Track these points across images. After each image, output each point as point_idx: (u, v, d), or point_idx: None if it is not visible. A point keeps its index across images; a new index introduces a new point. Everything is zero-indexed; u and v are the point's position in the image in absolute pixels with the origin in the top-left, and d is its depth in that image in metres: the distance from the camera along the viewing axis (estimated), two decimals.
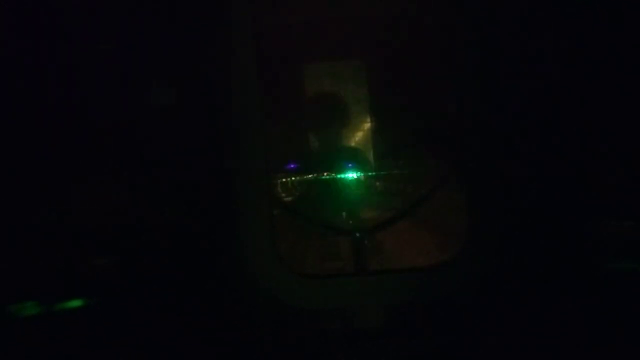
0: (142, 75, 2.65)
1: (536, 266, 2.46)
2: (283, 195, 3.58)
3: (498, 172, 2.53)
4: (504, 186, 2.51)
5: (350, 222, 3.47)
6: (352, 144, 4.16)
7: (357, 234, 2.99)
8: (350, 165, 3.95)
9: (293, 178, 3.80)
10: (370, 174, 3.89)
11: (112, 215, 2.61)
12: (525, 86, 2.49)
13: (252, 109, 2.56)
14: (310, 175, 3.83)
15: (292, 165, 3.91)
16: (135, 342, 2.48)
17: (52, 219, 2.58)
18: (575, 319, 2.38)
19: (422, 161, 3.58)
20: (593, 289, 2.40)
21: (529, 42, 2.51)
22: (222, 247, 2.55)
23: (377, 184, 3.83)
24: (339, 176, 3.86)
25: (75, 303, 2.61)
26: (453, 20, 2.62)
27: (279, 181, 3.62)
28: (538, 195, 2.46)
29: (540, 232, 2.47)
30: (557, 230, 2.46)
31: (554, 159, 2.45)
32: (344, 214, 3.56)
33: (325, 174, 3.86)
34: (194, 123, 2.61)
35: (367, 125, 4.17)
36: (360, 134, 4.23)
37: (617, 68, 2.41)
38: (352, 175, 3.87)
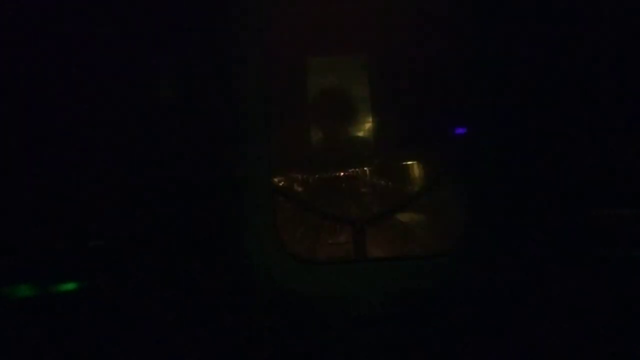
0: (149, 77, 2.67)
1: (534, 255, 2.44)
2: (287, 186, 3.57)
3: (496, 164, 2.52)
4: (502, 177, 2.50)
5: (352, 212, 3.47)
6: (356, 138, 4.16)
7: (358, 223, 2.98)
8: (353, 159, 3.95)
9: (298, 173, 3.80)
10: (372, 167, 3.89)
11: (120, 206, 2.60)
12: (524, 81, 2.49)
13: (258, 106, 2.57)
14: (315, 169, 3.83)
15: (297, 159, 3.91)
16: (139, 326, 2.46)
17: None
18: (573, 307, 2.36)
19: (423, 154, 3.58)
20: (590, 277, 2.39)
21: (530, 42, 2.51)
22: (224, 234, 2.53)
23: (379, 176, 3.83)
24: (342, 170, 3.86)
25: (70, 286, 2.59)
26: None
27: (284, 175, 3.61)
28: (536, 185, 2.45)
29: (538, 220, 2.45)
30: (555, 218, 2.44)
31: (552, 149, 2.44)
32: (346, 205, 3.55)
33: (329, 168, 3.87)
34: (199, 121, 2.61)
35: (371, 121, 4.17)
36: (363, 129, 4.23)
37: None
38: (354, 169, 3.87)
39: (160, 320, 2.49)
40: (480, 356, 2.41)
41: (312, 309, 2.54)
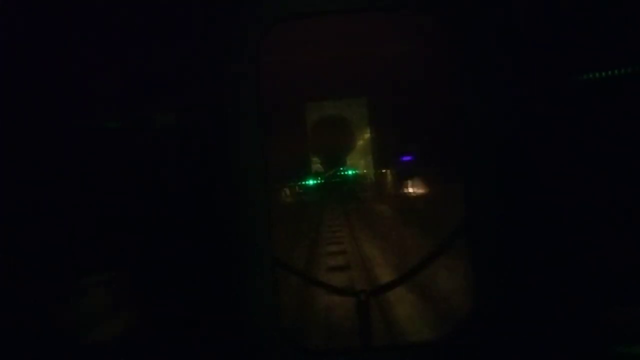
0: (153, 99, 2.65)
1: (540, 346, 2.41)
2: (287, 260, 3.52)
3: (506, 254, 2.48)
4: (512, 263, 2.46)
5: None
6: None
7: (361, 295, 2.93)
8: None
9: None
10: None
11: None
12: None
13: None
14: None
15: None
16: None
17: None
18: None
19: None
20: None
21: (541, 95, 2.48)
22: (227, 321, 2.49)
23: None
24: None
25: None
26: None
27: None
28: (544, 275, 2.42)
29: (545, 312, 2.42)
30: (558, 310, 2.41)
31: (564, 241, 2.41)
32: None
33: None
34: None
35: None
36: None
37: None
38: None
39: None
40: None
41: None
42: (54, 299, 2.54)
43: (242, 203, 2.55)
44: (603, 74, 2.46)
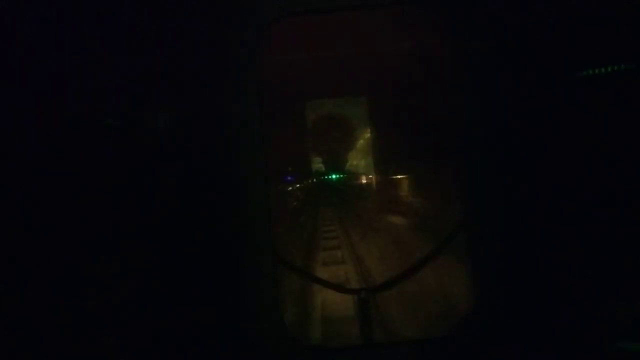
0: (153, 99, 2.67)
1: (541, 343, 2.42)
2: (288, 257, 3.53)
3: (505, 245, 2.49)
4: (512, 261, 2.47)
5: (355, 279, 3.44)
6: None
7: (363, 293, 2.95)
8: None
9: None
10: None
11: None
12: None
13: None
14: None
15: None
16: None
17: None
18: None
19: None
20: None
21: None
22: (228, 318, 2.50)
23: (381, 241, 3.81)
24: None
25: None
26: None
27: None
28: (544, 272, 2.43)
29: (545, 310, 2.43)
30: (558, 307, 2.42)
31: (564, 238, 2.42)
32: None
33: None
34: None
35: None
36: None
37: None
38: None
39: None
40: None
41: None
42: (53, 300, 2.54)
43: (242, 202, 2.56)
44: (602, 70, 2.46)
